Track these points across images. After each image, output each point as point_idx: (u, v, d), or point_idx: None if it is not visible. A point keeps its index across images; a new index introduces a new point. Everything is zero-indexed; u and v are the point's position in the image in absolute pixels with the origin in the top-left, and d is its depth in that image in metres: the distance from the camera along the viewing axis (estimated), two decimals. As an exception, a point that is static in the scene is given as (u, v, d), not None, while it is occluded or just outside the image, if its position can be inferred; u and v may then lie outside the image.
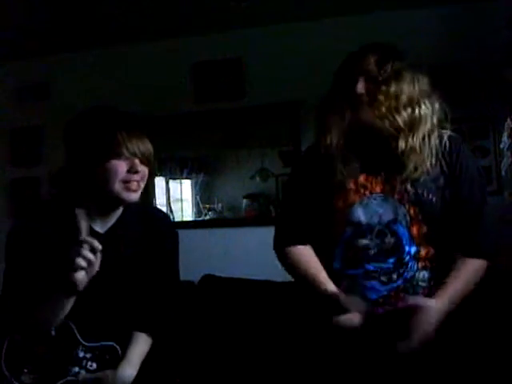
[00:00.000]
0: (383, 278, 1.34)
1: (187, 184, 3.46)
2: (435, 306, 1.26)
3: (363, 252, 1.36)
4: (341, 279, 1.38)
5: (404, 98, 1.33)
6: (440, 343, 1.33)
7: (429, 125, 1.35)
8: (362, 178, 1.38)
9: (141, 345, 1.47)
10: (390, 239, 1.34)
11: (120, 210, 1.46)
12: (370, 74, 1.34)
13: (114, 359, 1.43)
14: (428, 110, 1.36)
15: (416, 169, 1.33)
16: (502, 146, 2.93)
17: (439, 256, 1.38)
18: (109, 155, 1.33)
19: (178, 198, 3.49)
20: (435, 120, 1.37)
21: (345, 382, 1.38)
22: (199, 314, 2.80)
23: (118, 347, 1.44)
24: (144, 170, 1.38)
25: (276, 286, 2.78)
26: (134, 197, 1.38)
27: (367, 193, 1.37)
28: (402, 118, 1.32)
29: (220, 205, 3.33)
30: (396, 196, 1.35)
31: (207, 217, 3.35)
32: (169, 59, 3.38)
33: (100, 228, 1.43)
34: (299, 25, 3.20)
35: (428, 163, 1.34)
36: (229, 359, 2.60)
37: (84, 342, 1.42)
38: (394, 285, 1.34)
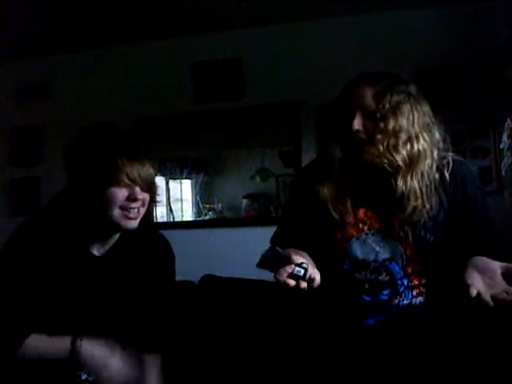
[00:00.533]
0: (379, 308, 1.35)
1: (187, 184, 3.46)
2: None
3: (359, 285, 1.36)
4: (339, 302, 1.40)
5: (403, 136, 1.28)
6: (441, 344, 1.34)
7: (428, 160, 1.31)
8: (361, 212, 1.36)
9: (154, 369, 1.47)
10: (384, 277, 1.34)
11: (118, 235, 1.42)
12: (368, 109, 1.28)
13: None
14: (427, 144, 1.30)
15: (415, 211, 1.29)
16: (502, 146, 2.93)
17: (430, 284, 1.37)
18: (109, 182, 1.29)
19: (177, 197, 3.49)
20: (435, 153, 1.33)
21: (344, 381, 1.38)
22: (199, 314, 2.79)
23: None
24: (145, 196, 1.34)
25: (276, 286, 2.78)
26: (133, 224, 1.35)
27: (365, 228, 1.36)
28: (400, 156, 1.27)
29: (220, 205, 3.33)
30: (394, 235, 1.34)
31: (207, 217, 3.35)
32: (169, 59, 3.38)
33: (97, 251, 1.41)
34: (299, 25, 3.20)
35: (428, 205, 1.29)
36: (228, 359, 2.60)
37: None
38: (390, 311, 1.35)
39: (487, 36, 2.86)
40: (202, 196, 3.38)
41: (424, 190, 1.30)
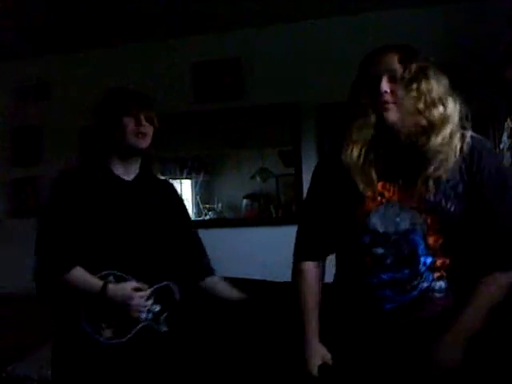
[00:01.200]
0: (397, 288, 1.32)
1: (187, 184, 3.46)
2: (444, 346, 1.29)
3: (379, 261, 1.33)
4: (359, 287, 1.38)
5: (428, 99, 1.31)
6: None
7: (452, 125, 1.32)
8: (379, 186, 1.35)
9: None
10: (405, 249, 1.32)
11: (138, 164, 1.79)
12: (394, 73, 1.31)
13: (171, 298, 1.72)
14: (450, 109, 1.33)
15: (439, 167, 1.29)
16: (501, 146, 2.92)
17: (456, 266, 1.34)
18: (122, 112, 1.71)
19: (178, 197, 3.48)
20: (457, 120, 1.34)
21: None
22: (199, 314, 2.79)
23: (171, 285, 1.71)
24: (148, 126, 1.75)
25: (276, 286, 2.78)
26: (144, 144, 1.73)
27: (384, 201, 1.34)
28: (426, 117, 1.30)
29: (220, 205, 3.33)
30: (414, 204, 1.31)
31: (207, 217, 3.35)
32: (169, 59, 3.38)
33: (127, 177, 1.76)
34: (299, 25, 3.20)
35: (450, 164, 1.29)
36: (228, 359, 2.60)
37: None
38: (409, 295, 1.32)
39: (487, 36, 2.86)
40: (202, 196, 3.38)
41: (446, 151, 1.29)
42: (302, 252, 1.50)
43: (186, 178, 3.45)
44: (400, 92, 1.30)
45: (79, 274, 1.63)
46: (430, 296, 1.32)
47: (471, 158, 1.33)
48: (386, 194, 1.34)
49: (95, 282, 1.62)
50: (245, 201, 3.30)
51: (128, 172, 1.77)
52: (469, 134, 1.36)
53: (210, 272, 1.92)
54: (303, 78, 3.13)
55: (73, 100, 3.51)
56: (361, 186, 1.33)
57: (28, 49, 3.41)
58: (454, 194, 1.31)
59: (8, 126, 3.62)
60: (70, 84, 3.52)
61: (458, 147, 1.31)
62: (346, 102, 1.40)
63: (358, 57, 1.46)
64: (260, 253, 3.05)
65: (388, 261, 1.32)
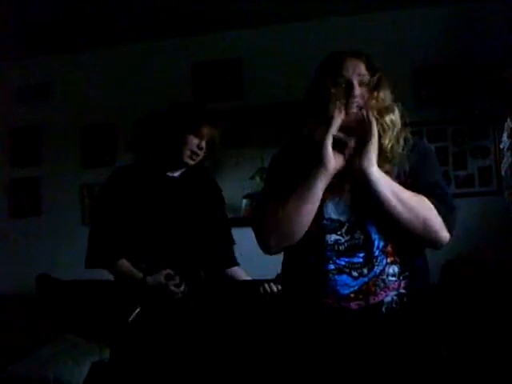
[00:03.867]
0: (354, 273, 1.37)
1: (187, 184, 3.47)
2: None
3: (334, 247, 1.39)
4: (316, 274, 1.40)
5: (387, 103, 1.42)
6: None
7: (398, 128, 1.43)
8: (335, 178, 1.42)
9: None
10: (359, 235, 1.39)
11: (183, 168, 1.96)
12: (363, 78, 1.42)
13: (197, 279, 1.95)
14: (398, 115, 1.43)
15: (385, 162, 1.40)
16: (502, 146, 2.93)
17: (405, 251, 1.41)
18: (190, 131, 1.87)
19: (177, 198, 3.48)
20: (401, 124, 1.44)
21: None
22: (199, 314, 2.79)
23: (198, 269, 1.94)
24: (205, 146, 1.91)
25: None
26: (192, 163, 1.92)
27: (338, 190, 1.42)
28: (385, 120, 1.40)
29: (220, 205, 3.33)
30: (365, 194, 1.39)
31: (207, 217, 3.35)
32: (169, 59, 3.38)
33: (172, 174, 1.95)
34: (299, 25, 3.20)
35: (397, 161, 1.42)
36: (228, 359, 2.60)
37: (172, 272, 1.83)
38: (365, 279, 1.37)
39: (487, 36, 2.86)
40: (202, 196, 3.37)
41: (394, 152, 1.41)
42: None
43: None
44: (365, 95, 1.41)
45: (124, 266, 1.86)
46: (383, 279, 1.38)
47: (412, 153, 1.44)
48: (341, 183, 1.42)
49: (136, 272, 1.84)
50: (245, 201, 3.30)
51: (174, 172, 1.97)
52: (409, 135, 1.46)
53: (234, 263, 2.11)
54: (303, 78, 3.12)
55: (73, 100, 3.52)
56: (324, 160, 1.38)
57: (28, 49, 3.41)
58: (397, 182, 1.40)
59: (8, 126, 3.62)
60: (70, 84, 3.53)
61: (402, 147, 1.42)
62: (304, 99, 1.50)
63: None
64: (260, 253, 3.04)
65: (342, 247, 1.39)
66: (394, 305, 1.38)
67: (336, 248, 1.39)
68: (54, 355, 2.74)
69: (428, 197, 1.38)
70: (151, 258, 1.86)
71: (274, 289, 1.91)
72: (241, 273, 2.10)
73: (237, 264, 2.11)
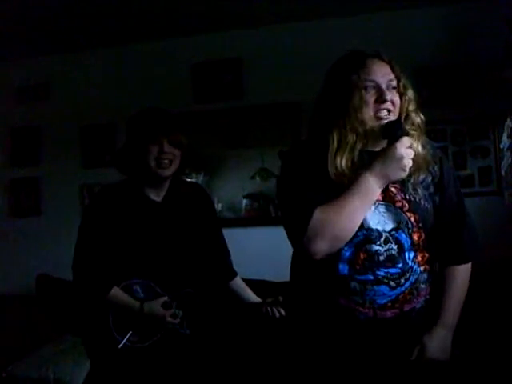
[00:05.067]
0: (392, 283, 1.37)
1: (187, 184, 3.46)
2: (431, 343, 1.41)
3: (374, 257, 1.37)
4: (348, 283, 1.38)
5: (415, 104, 1.43)
6: None
7: (423, 130, 1.43)
8: None
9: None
10: (394, 246, 1.37)
11: (167, 185, 1.87)
12: (390, 82, 1.39)
13: (193, 303, 1.84)
14: (423, 116, 1.44)
15: (417, 170, 1.40)
16: (501, 146, 2.93)
17: (433, 259, 1.46)
18: (148, 140, 1.77)
19: (177, 198, 3.48)
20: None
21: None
22: (216, 318, 2.79)
23: (192, 291, 1.83)
24: (173, 151, 1.79)
25: (275, 286, 2.78)
26: (166, 173, 1.79)
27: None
28: (417, 121, 1.41)
29: (220, 205, 3.32)
30: (397, 204, 1.39)
31: (207, 217, 3.35)
32: (169, 59, 3.38)
33: (156, 198, 1.85)
34: (299, 25, 3.20)
35: (425, 167, 1.42)
36: (228, 359, 2.60)
37: (167, 296, 1.79)
38: (402, 288, 1.38)
39: (487, 36, 2.86)
40: (202, 196, 3.37)
41: (424, 155, 1.41)
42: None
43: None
44: (394, 99, 1.38)
45: (118, 294, 1.78)
46: (417, 287, 1.40)
47: (437, 161, 1.46)
48: None
49: (132, 302, 1.78)
50: (245, 201, 3.30)
51: (157, 194, 1.86)
52: (425, 138, 1.46)
53: (234, 273, 2.05)
54: (303, 78, 3.12)
55: (73, 100, 3.52)
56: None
57: (28, 49, 3.41)
58: (428, 193, 1.43)
59: (8, 126, 3.62)
60: (70, 84, 3.53)
61: (430, 152, 1.43)
62: (323, 102, 1.44)
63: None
64: (260, 253, 3.05)
65: (381, 257, 1.37)
66: (422, 310, 1.42)
67: (376, 258, 1.37)
68: (54, 355, 2.74)
69: (458, 229, 1.46)
70: (143, 281, 1.80)
71: (277, 314, 1.89)
72: (241, 283, 2.06)
73: (236, 274, 2.07)
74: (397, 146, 1.30)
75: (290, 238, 1.40)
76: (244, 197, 3.30)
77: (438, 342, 1.41)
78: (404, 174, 1.33)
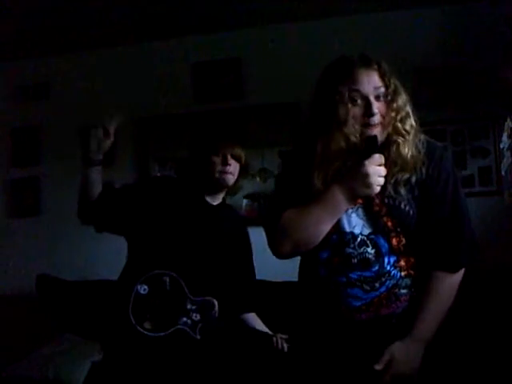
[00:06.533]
0: (366, 287, 1.36)
1: (187, 184, 3.46)
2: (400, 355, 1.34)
3: (347, 260, 1.37)
4: (326, 286, 1.40)
5: (407, 109, 1.38)
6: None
7: (417, 135, 1.39)
8: None
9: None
10: (371, 250, 1.36)
11: (221, 196, 2.04)
12: (379, 90, 1.35)
13: (211, 311, 1.85)
14: (416, 121, 1.39)
15: (399, 173, 1.36)
16: (501, 146, 2.93)
17: (420, 264, 1.40)
18: (211, 152, 1.95)
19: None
20: (418, 131, 1.41)
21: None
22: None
23: (215, 302, 1.84)
24: (234, 164, 1.97)
25: (275, 286, 2.78)
26: (229, 180, 1.97)
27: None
28: (405, 128, 1.36)
29: (220, 205, 3.32)
30: (375, 208, 1.37)
31: (207, 217, 3.34)
32: (169, 59, 3.38)
33: (213, 202, 2.02)
34: (299, 25, 3.20)
35: (411, 168, 1.37)
36: (228, 372, 2.59)
37: (191, 297, 1.82)
38: (377, 293, 1.36)
39: (487, 36, 2.86)
40: (202, 196, 3.37)
41: (412, 161, 1.37)
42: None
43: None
44: (382, 109, 1.35)
45: None
46: (395, 293, 1.37)
47: (429, 163, 1.39)
48: None
49: None
50: (245, 201, 3.29)
51: (213, 200, 2.03)
52: (423, 138, 1.42)
53: (250, 309, 2.09)
54: (303, 78, 3.11)
55: (73, 100, 3.51)
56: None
57: (28, 49, 3.41)
58: (411, 197, 1.37)
59: (8, 126, 3.61)
60: (70, 84, 3.52)
61: (416, 155, 1.38)
62: (312, 111, 1.42)
63: (357, 57, 1.46)
64: (260, 253, 3.04)
65: (354, 260, 1.37)
66: (403, 315, 1.38)
67: (349, 261, 1.36)
68: (54, 355, 2.74)
69: (445, 233, 1.37)
70: (175, 275, 1.84)
71: (286, 349, 1.90)
72: (255, 321, 2.08)
73: (252, 311, 2.09)
74: (365, 164, 1.28)
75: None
76: (244, 197, 3.30)
77: (405, 355, 1.34)
78: (371, 192, 1.30)
